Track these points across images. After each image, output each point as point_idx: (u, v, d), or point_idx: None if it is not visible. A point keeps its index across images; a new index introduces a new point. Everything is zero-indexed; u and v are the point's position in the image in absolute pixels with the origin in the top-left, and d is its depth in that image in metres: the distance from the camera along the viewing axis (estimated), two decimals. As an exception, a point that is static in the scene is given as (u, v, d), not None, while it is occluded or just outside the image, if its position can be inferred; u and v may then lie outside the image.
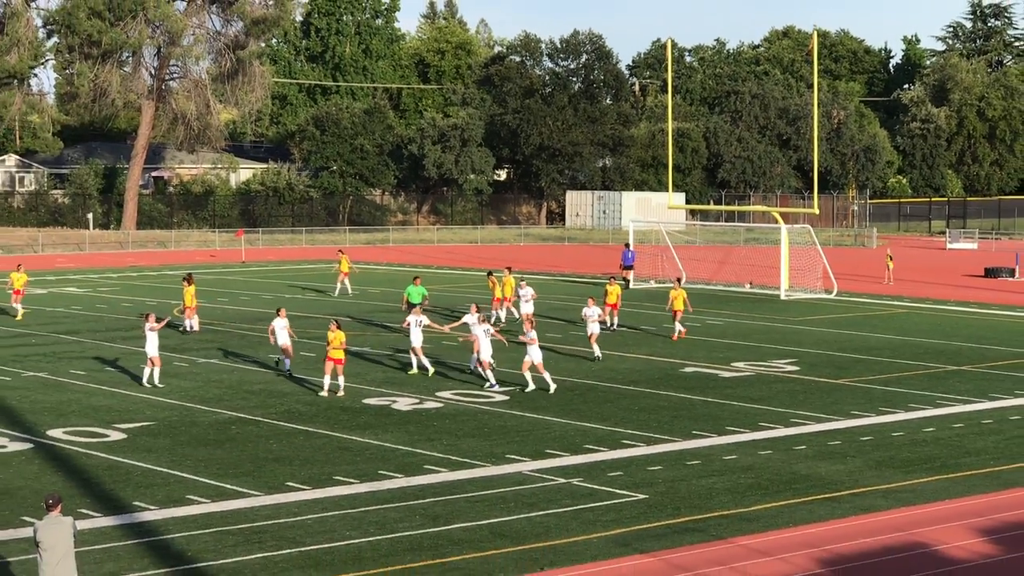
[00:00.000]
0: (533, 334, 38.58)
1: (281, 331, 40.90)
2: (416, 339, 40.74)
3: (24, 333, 50.99)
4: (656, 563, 22.09)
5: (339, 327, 38.08)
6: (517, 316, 51.93)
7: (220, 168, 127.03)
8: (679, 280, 53.77)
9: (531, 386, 37.82)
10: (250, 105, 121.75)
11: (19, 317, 55.48)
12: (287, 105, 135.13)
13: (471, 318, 40.01)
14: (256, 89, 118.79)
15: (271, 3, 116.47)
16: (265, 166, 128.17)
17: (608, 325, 50.46)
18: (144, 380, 38.52)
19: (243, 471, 28.22)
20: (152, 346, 38.40)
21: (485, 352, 38.47)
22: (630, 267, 68.45)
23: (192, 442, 31.17)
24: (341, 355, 37.16)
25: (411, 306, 49.37)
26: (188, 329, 51.09)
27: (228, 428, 32.88)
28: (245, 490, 26.63)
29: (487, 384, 38.38)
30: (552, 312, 56.16)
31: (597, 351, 43.38)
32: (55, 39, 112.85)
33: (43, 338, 49.61)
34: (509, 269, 56.70)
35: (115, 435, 31.84)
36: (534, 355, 37.93)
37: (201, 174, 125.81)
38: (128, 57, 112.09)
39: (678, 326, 48.48)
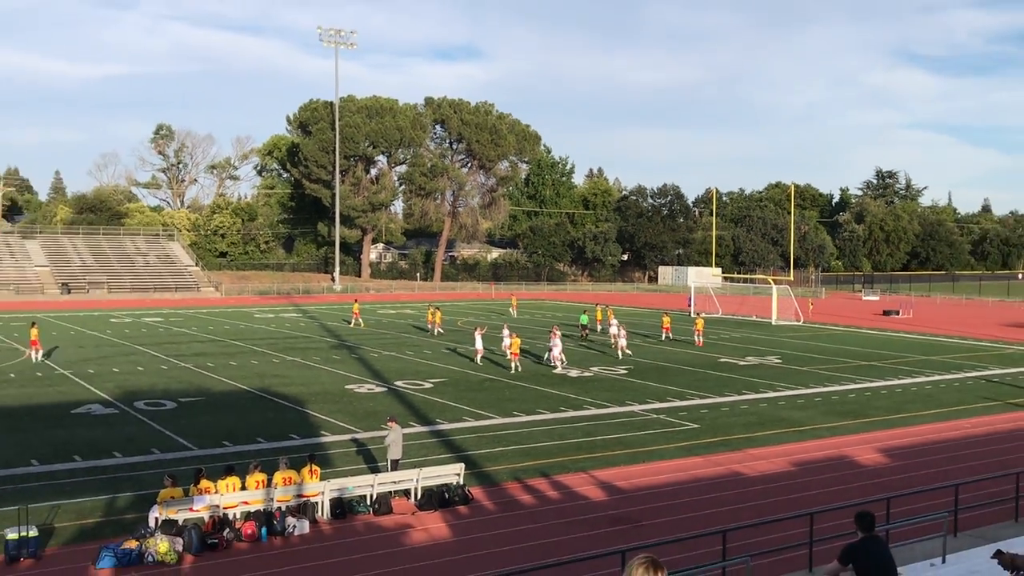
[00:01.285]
0: (557, 339, 37.44)
1: (556, 345, 37.13)
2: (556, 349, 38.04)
3: (382, 333, 51.47)
4: (703, 461, 21.67)
5: (516, 336, 36.81)
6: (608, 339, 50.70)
7: (482, 252, 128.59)
8: (699, 313, 52.21)
9: (558, 368, 36.01)
10: (498, 220, 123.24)
11: (352, 325, 54.45)
12: (516, 220, 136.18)
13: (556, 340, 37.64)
14: (501, 212, 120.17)
15: (510, 170, 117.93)
16: (505, 250, 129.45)
17: (665, 338, 47.96)
18: (477, 358, 37.74)
19: (490, 405, 28.35)
20: (479, 342, 38.25)
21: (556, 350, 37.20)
22: (691, 305, 67.64)
23: (466, 389, 31.35)
24: (517, 350, 35.96)
25: (583, 327, 48.05)
26: (434, 334, 49.43)
27: (483, 383, 32.96)
28: (491, 415, 26.77)
29: (555, 367, 37.42)
30: (638, 329, 55.42)
31: (621, 353, 40.16)
32: (403, 186, 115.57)
33: (393, 336, 50.07)
34: (597, 304, 56.28)
35: (427, 384, 32.19)
36: (555, 348, 36.92)
37: (473, 254, 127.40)
38: (438, 195, 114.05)
39: (698, 338, 46.61)
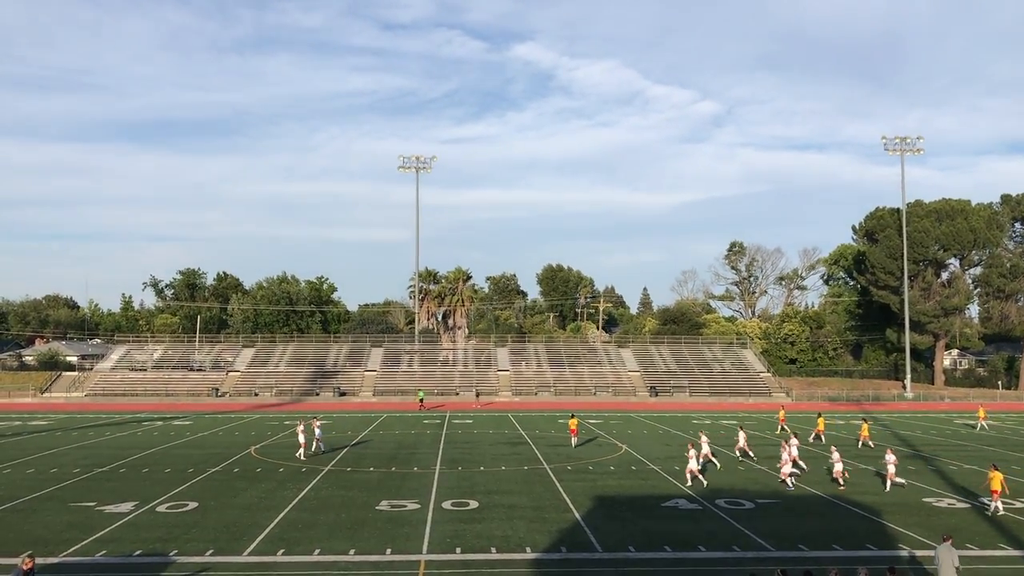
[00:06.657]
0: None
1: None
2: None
3: (961, 445, 45.56)
4: None
5: (997, 470, 27.17)
6: None
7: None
8: None
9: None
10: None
11: (812, 440, 46.46)
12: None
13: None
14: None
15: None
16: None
17: None
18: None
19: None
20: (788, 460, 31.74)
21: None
22: None
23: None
24: (998, 487, 26.47)
25: None
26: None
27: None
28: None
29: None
30: None
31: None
32: (978, 289, 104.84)
33: (975, 447, 44.26)
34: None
35: (1021, 503, 27.96)
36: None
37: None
38: (1020, 297, 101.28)
39: None
